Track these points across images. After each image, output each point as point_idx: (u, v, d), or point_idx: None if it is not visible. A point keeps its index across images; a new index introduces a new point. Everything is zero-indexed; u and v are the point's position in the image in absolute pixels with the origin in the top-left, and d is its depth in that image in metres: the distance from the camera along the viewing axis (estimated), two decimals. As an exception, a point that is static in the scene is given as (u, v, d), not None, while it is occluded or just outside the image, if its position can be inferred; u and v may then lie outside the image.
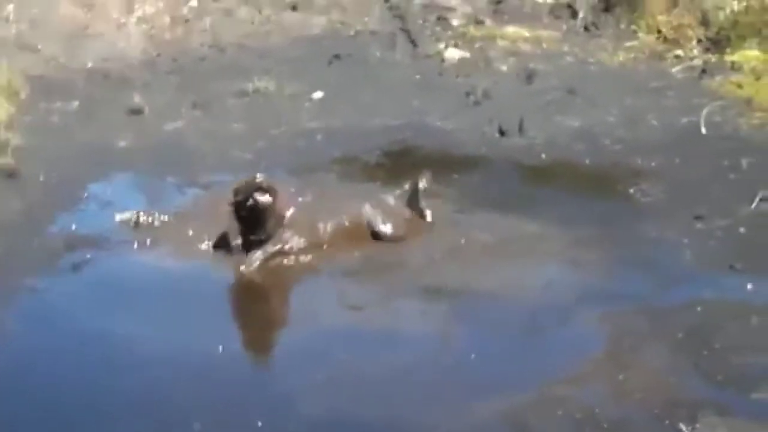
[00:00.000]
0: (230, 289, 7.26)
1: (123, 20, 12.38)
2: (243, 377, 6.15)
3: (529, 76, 10.93)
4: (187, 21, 12.40)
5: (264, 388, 6.05)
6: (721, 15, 11.48)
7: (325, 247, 7.49)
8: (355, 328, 6.69)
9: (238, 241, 7.50)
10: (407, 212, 7.90)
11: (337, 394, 5.94)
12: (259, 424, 5.60)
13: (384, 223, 7.70)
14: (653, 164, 8.87)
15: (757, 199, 8.05)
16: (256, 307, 7.12)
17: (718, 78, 10.78)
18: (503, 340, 6.51)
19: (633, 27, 11.93)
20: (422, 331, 6.58)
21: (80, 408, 5.85)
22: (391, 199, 7.96)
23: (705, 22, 11.56)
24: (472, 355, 6.28)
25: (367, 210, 7.71)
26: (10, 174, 8.62)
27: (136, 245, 7.62)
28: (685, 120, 9.83)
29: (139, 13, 12.54)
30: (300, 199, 7.83)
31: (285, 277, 7.38)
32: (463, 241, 7.61)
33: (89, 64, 11.34)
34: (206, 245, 7.61)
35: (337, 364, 6.27)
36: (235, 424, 5.67)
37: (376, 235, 7.68)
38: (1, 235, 7.70)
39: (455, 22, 12.25)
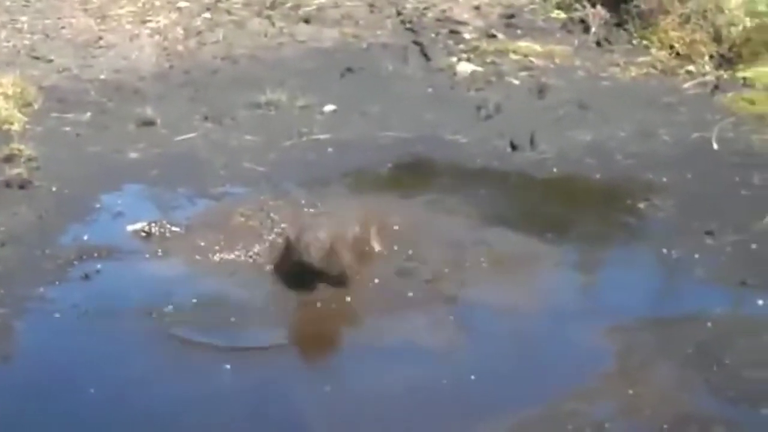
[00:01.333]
0: (242, 302, 7.23)
1: (136, 32, 12.43)
2: (249, 394, 6.14)
3: (541, 91, 10.93)
4: (199, 33, 12.43)
5: (271, 404, 6.04)
6: (734, 31, 11.46)
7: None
8: (360, 343, 6.69)
9: None
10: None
11: (340, 411, 5.94)
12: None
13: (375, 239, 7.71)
14: (664, 179, 8.86)
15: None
16: (266, 319, 7.08)
17: (730, 94, 10.76)
18: (510, 356, 6.49)
19: (645, 42, 11.92)
20: (428, 347, 6.56)
21: (88, 421, 5.85)
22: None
23: (717, 39, 11.54)
24: (479, 371, 6.27)
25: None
26: (22, 185, 8.64)
27: (147, 256, 7.64)
28: (696, 135, 9.82)
29: (152, 24, 12.60)
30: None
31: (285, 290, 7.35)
32: (471, 255, 7.59)
33: (102, 76, 11.36)
34: (218, 256, 7.63)
35: (342, 378, 6.29)
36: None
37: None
38: (13, 246, 7.73)
39: (467, 36, 12.25)
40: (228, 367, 6.36)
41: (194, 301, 7.09)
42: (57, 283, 7.29)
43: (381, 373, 6.26)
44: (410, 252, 7.65)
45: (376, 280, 7.35)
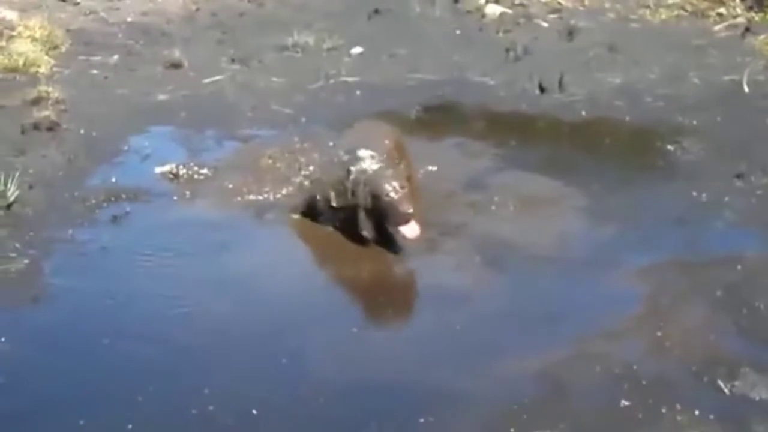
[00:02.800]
0: (266, 242, 7.21)
1: (163, -26, 12.39)
2: (266, 332, 6.12)
3: (570, 33, 10.86)
4: (227, -25, 12.39)
5: (291, 341, 6.04)
6: (766, -28, 11.36)
7: None
8: (386, 283, 6.67)
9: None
10: None
11: (364, 352, 5.94)
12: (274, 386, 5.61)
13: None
14: (694, 122, 8.82)
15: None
16: (290, 259, 7.06)
17: (761, 37, 10.68)
18: (540, 297, 6.46)
19: (676, -16, 11.83)
20: (455, 288, 6.53)
21: (112, 363, 5.87)
22: None
23: (749, -20, 11.45)
24: (507, 313, 6.25)
25: None
26: (50, 127, 8.65)
27: (175, 198, 7.65)
28: (727, 78, 9.75)
29: (178, -33, 12.55)
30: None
31: (318, 233, 7.30)
32: (498, 198, 7.56)
33: (129, 18, 11.36)
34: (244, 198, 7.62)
35: (366, 320, 6.30)
36: (252, 378, 5.68)
37: None
38: (42, 188, 7.73)
39: (496, -22, 12.17)
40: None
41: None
42: (86, 225, 7.30)
43: (408, 314, 6.24)
44: (439, 194, 7.64)
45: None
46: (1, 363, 5.77)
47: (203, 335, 6.06)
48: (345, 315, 6.36)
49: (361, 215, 7.00)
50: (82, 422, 5.29)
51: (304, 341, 6.02)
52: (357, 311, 6.43)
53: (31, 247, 6.98)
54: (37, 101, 9.09)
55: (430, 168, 7.97)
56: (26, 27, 10.48)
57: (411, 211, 6.82)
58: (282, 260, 6.97)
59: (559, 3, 11.61)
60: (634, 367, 5.65)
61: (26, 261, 6.79)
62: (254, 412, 5.39)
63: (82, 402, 5.49)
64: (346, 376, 5.70)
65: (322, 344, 6.00)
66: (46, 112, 8.85)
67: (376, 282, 6.66)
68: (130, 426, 5.26)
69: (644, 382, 5.53)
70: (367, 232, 7.03)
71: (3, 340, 5.94)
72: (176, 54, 10.25)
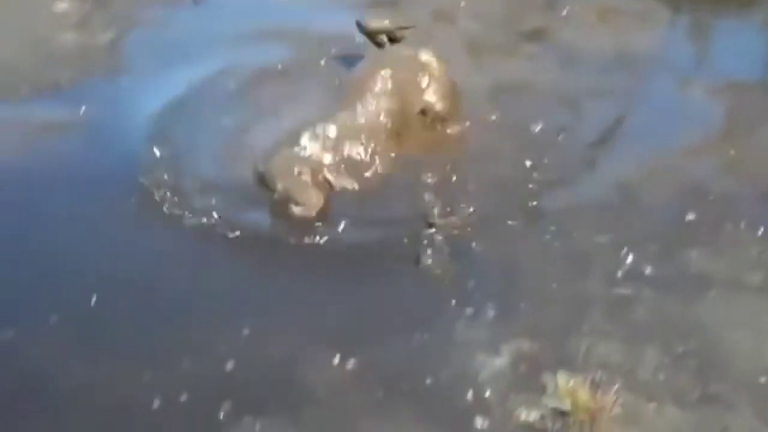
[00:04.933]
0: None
1: None
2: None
3: None
4: None
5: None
6: None
7: None
8: (463, 81, 6.61)
9: None
10: None
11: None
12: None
13: None
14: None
15: None
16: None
17: None
18: (617, 106, 6.38)
19: None
20: (531, 90, 6.49)
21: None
22: None
23: None
24: (583, 119, 6.24)
25: None
26: None
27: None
28: None
29: None
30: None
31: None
32: (579, 7, 7.47)
33: None
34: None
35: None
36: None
37: None
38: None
39: None
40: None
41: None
42: (168, 4, 7.32)
43: (487, 111, 6.20)
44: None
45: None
46: (79, 126, 5.93)
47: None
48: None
49: None
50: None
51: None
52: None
53: (113, 23, 7.03)
54: None
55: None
56: None
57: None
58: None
59: None
60: (705, 183, 5.65)
61: (110, 35, 6.86)
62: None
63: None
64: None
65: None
66: None
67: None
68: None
69: (711, 198, 5.53)
70: None
71: (84, 108, 6.06)
72: None
